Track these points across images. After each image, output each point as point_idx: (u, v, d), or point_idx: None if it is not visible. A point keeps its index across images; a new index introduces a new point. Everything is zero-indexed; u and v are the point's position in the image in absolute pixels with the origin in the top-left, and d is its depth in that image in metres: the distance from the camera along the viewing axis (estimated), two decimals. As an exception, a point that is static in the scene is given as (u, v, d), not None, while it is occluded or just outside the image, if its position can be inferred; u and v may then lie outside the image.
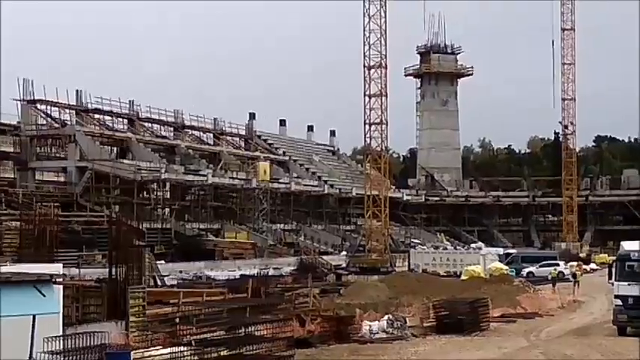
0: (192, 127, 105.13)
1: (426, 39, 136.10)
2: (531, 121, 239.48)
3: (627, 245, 34.43)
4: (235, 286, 44.10)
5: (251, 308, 29.89)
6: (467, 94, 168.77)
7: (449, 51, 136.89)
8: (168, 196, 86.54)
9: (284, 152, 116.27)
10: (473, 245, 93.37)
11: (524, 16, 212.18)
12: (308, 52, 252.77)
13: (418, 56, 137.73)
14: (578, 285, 54.98)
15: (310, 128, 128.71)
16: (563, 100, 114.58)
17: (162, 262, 62.54)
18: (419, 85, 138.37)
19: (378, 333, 31.16)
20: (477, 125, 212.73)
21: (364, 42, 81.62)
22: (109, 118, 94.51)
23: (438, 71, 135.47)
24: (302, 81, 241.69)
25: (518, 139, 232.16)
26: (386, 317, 32.39)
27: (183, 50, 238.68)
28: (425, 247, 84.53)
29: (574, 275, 58.44)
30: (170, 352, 21.52)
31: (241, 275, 57.01)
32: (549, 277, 59.39)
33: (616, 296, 32.66)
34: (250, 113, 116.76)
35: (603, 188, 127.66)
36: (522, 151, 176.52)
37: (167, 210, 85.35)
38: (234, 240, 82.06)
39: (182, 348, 21.89)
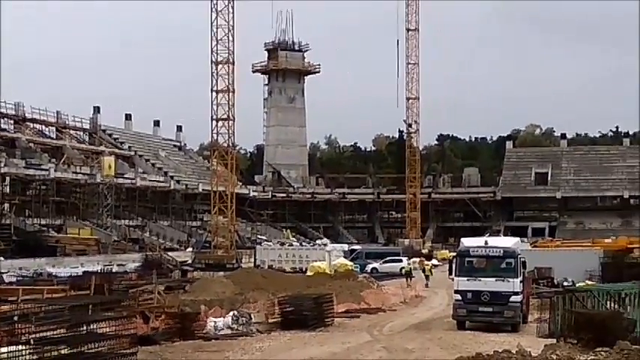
0: (34, 120, 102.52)
1: (274, 36, 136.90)
2: (377, 119, 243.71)
3: (467, 241, 35.35)
4: (78, 283, 43.27)
5: (93, 305, 29.23)
6: (314, 92, 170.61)
7: (296, 48, 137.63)
8: (8, 191, 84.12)
9: (129, 147, 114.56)
10: (318, 241, 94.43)
11: (372, 15, 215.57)
12: (154, 45, 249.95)
13: (266, 53, 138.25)
14: (429, 280, 56.77)
15: (157, 123, 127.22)
16: (408, 99, 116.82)
17: (1, 258, 61.14)
18: (266, 82, 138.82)
19: (223, 329, 31.03)
20: (324, 122, 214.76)
21: (212, 37, 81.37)
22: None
23: (285, 68, 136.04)
24: (148, 75, 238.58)
25: (363, 137, 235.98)
26: (231, 313, 32.29)
27: (24, 43, 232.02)
28: (271, 244, 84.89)
29: (424, 270, 59.98)
30: (7, 352, 20.85)
31: (84, 272, 55.93)
32: (403, 272, 60.75)
33: (456, 291, 33.42)
34: (95, 107, 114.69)
35: (445, 186, 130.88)
36: (368, 149, 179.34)
37: (7, 205, 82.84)
38: (76, 236, 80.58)
39: (20, 347, 21.23)
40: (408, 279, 56.60)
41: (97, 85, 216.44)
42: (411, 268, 63.25)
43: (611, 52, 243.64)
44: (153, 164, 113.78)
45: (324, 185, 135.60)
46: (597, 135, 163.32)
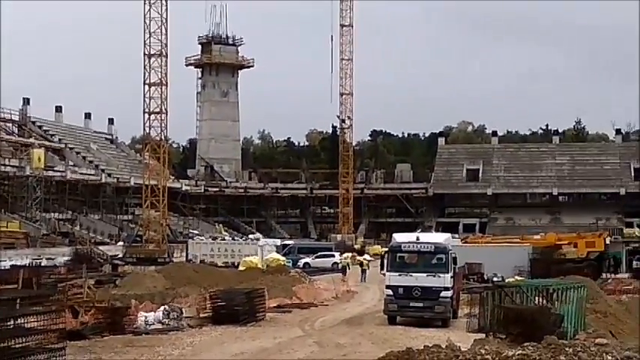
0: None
1: (207, 29, 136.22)
2: (310, 114, 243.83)
3: (399, 237, 35.49)
4: (5, 277, 42.64)
5: (21, 299, 28.83)
6: (247, 86, 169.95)
7: (230, 42, 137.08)
8: None
9: (60, 139, 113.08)
10: (251, 236, 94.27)
11: (307, 11, 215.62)
12: (86, 38, 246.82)
13: (199, 46, 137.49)
14: (365, 274, 57.12)
15: (88, 116, 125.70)
16: (341, 94, 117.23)
17: None
18: (200, 76, 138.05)
19: (153, 324, 30.80)
20: (257, 117, 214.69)
21: (145, 30, 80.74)
22: None
23: (218, 62, 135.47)
24: (79, 67, 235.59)
25: (297, 132, 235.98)
26: (162, 308, 32.09)
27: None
28: (203, 238, 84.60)
29: (361, 264, 60.44)
30: None
31: (12, 265, 55.11)
32: (340, 267, 61.17)
33: (387, 286, 33.54)
34: (24, 98, 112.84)
35: (378, 182, 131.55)
36: (301, 144, 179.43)
37: None
38: (5, 229, 79.30)
39: (-55, 342, 20.84)
40: (345, 273, 57.16)
41: (26, 76, 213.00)
42: (348, 263, 64.01)
43: (540, 51, 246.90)
44: (84, 157, 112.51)
45: (256, 180, 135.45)
46: (528, 133, 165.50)
